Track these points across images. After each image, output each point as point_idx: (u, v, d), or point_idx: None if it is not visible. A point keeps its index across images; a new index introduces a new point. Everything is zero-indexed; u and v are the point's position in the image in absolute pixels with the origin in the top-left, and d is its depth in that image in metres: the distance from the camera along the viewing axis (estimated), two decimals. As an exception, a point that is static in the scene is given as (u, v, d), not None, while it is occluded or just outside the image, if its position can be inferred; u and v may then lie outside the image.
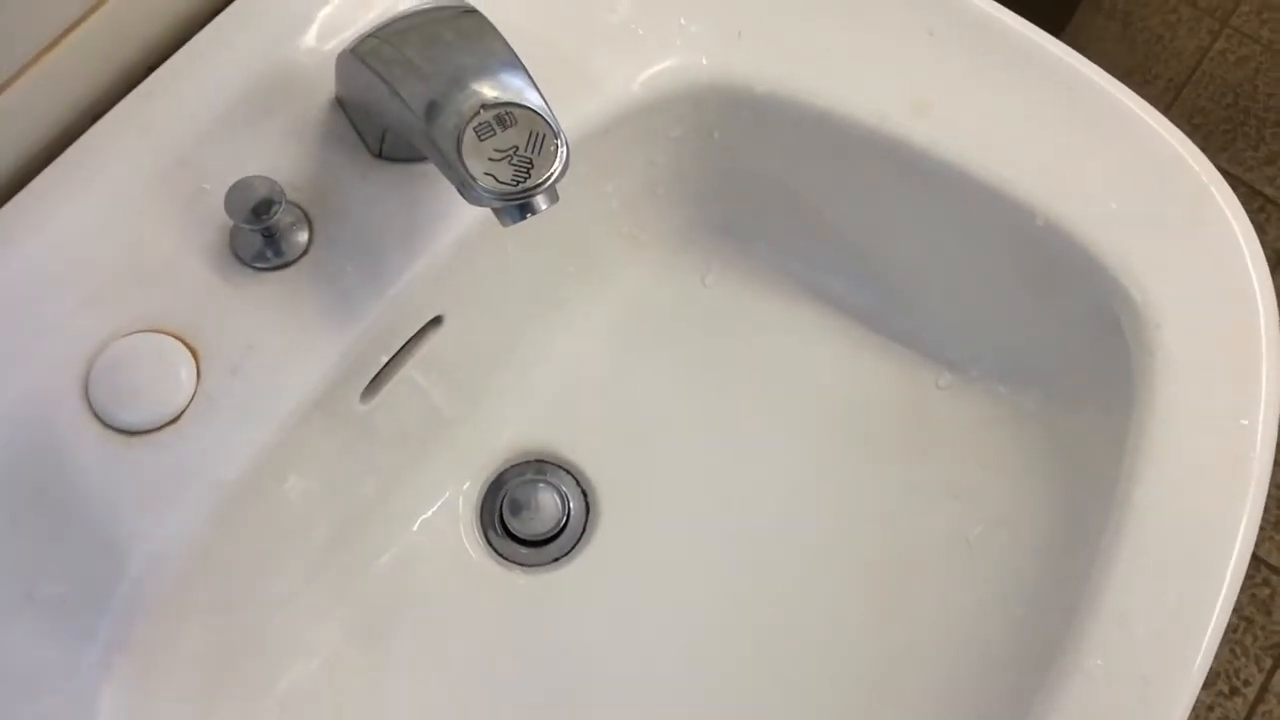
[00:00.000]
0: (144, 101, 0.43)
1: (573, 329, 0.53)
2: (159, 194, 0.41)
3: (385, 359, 0.45)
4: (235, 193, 0.39)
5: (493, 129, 0.33)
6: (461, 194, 0.34)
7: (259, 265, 0.41)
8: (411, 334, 0.46)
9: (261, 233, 0.40)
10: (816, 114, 0.46)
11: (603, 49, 0.46)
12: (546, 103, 0.35)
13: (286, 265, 0.41)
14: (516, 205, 0.34)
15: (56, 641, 0.37)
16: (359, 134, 0.43)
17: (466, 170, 0.33)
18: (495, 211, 0.35)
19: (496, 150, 0.33)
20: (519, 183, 0.33)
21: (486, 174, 0.33)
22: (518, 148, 0.33)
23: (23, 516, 0.38)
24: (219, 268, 0.41)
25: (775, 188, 0.52)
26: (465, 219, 0.43)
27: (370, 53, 0.36)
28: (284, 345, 0.40)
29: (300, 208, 0.42)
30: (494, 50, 0.35)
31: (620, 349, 0.54)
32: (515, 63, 0.35)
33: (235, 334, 0.40)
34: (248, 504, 0.41)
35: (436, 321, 0.47)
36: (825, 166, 0.49)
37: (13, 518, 0.38)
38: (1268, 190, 1.24)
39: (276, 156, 0.42)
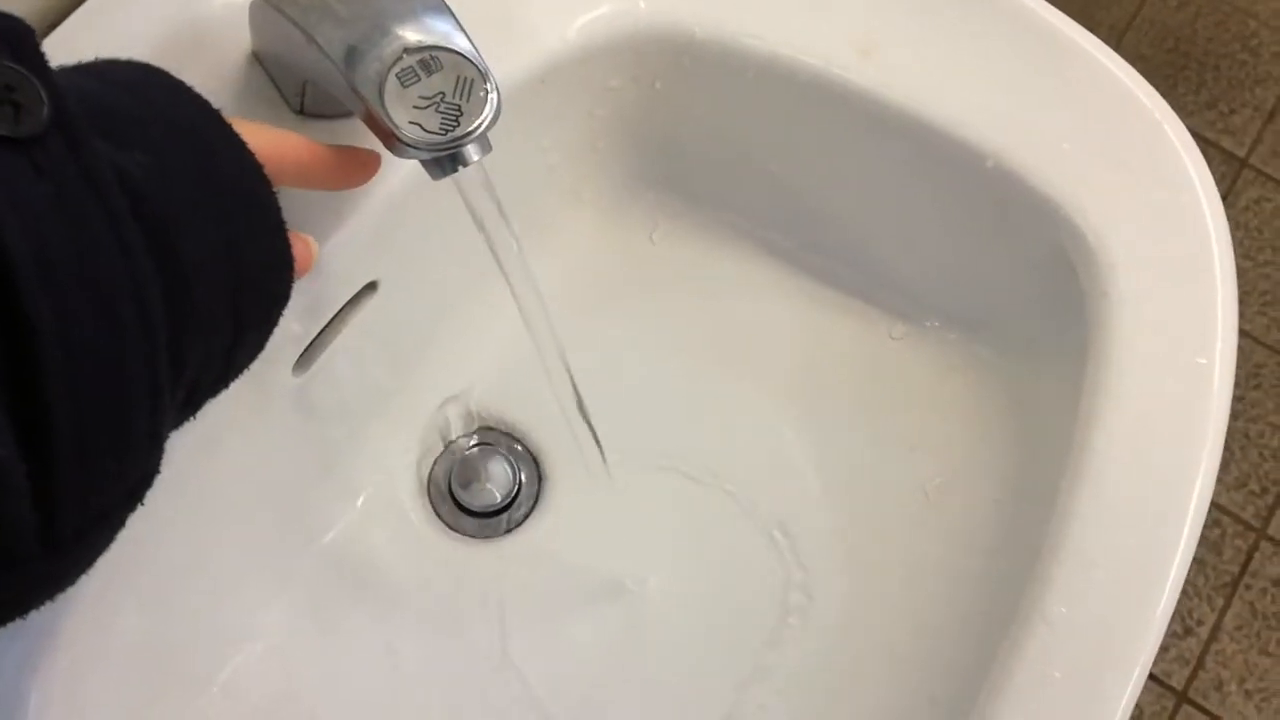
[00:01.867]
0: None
1: (516, 291, 0.52)
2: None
3: (317, 329, 0.43)
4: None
5: (416, 74, 0.31)
6: (388, 147, 0.32)
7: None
8: (345, 301, 0.44)
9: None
10: (760, 59, 0.45)
11: (535, -7, 0.44)
12: (474, 46, 0.32)
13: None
14: (447, 156, 0.32)
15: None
16: (279, 89, 0.40)
17: (390, 119, 0.31)
18: (424, 164, 0.33)
19: (422, 97, 0.31)
20: (447, 131, 0.31)
21: (412, 123, 0.31)
22: (444, 94, 0.31)
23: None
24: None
25: (720, 139, 0.50)
26: (395, 177, 0.41)
27: (283, -2, 0.33)
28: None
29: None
30: (416, -8, 0.33)
31: (566, 310, 0.52)
32: (440, 6, 0.33)
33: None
34: (177, 489, 0.39)
35: (371, 287, 0.45)
36: (770, 114, 0.47)
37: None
38: (1208, 134, 1.25)
39: (191, 116, 0.39)
